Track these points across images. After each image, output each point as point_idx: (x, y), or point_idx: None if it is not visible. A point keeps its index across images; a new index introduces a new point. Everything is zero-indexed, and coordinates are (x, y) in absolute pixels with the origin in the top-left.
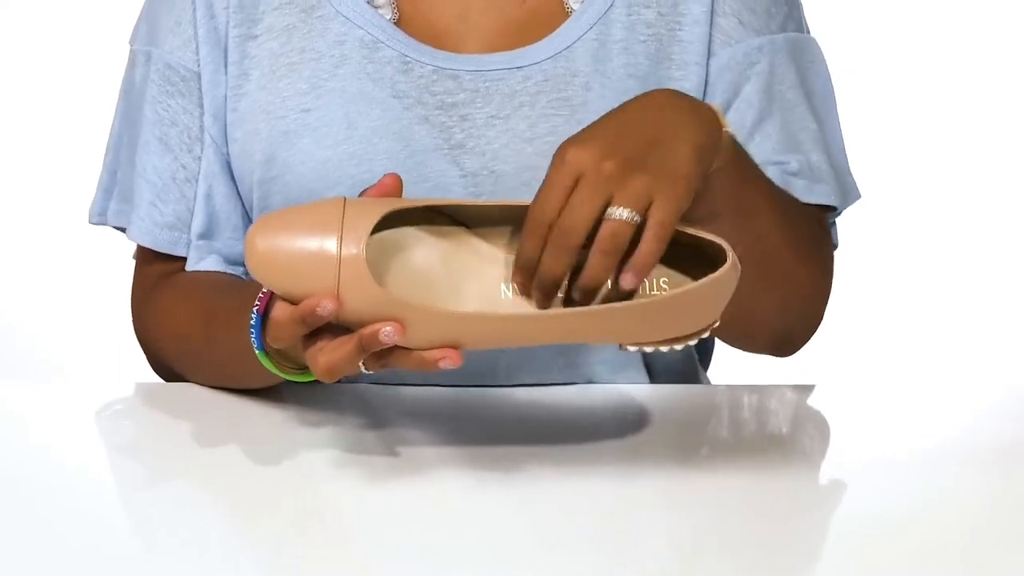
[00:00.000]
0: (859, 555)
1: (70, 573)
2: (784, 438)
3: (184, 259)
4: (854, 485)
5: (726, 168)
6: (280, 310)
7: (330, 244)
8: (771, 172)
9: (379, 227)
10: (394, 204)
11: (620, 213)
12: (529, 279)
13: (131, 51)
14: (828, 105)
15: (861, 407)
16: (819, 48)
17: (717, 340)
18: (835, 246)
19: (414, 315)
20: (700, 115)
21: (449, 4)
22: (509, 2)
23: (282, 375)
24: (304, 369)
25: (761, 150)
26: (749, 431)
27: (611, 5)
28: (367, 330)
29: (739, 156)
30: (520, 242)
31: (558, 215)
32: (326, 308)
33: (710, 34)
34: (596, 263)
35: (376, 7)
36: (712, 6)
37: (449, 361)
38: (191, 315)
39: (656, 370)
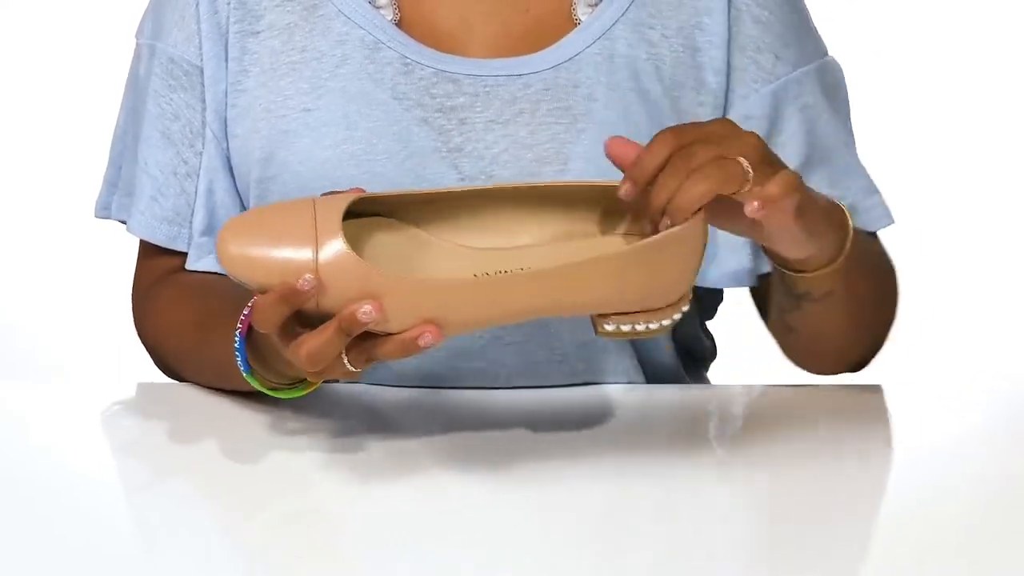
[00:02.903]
0: (860, 554)
1: (71, 573)
2: (784, 438)
3: (185, 254)
4: (854, 484)
5: (846, 257)
6: (262, 296)
7: (306, 227)
8: None
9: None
10: (361, 194)
11: (744, 163)
12: (635, 185)
13: (136, 45)
14: (847, 116)
15: (861, 406)
16: (838, 64)
17: (720, 343)
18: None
19: (395, 287)
20: (836, 216)
21: (450, 7)
22: (512, 10)
23: (269, 393)
24: (292, 384)
25: (812, 187)
26: (749, 431)
27: (616, 21)
28: (346, 311)
29: (853, 240)
30: (644, 152)
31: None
32: (308, 281)
33: (729, 65)
34: (680, 177)
35: (377, 7)
36: (729, 39)
37: (429, 336)
38: (185, 318)
39: (649, 374)
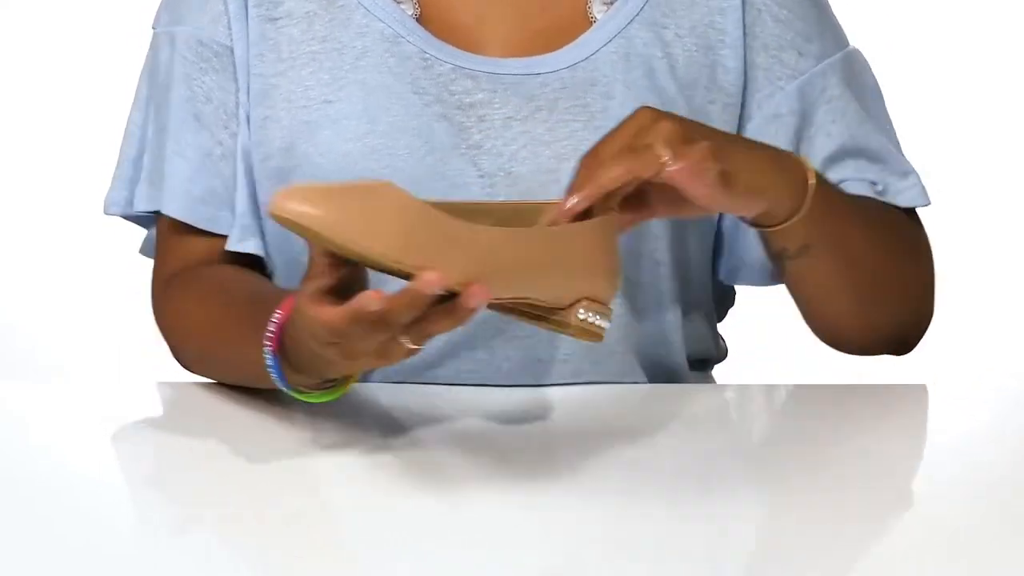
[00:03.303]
0: (866, 553)
1: (71, 573)
2: (786, 438)
3: (217, 237)
4: (860, 483)
5: (813, 208)
6: (395, 301)
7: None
8: (860, 187)
9: None
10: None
11: (658, 148)
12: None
13: (153, 35)
14: (881, 107)
15: (867, 405)
16: (861, 53)
17: (730, 347)
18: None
19: (469, 236)
20: (786, 168)
21: (469, 5)
22: (529, 9)
23: (301, 399)
24: (325, 387)
25: (844, 174)
26: (750, 431)
27: (631, 20)
28: (411, 287)
29: (825, 192)
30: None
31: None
32: (432, 284)
33: (748, 63)
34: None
35: (398, 2)
36: (744, 39)
37: (477, 295)
38: (205, 319)
39: (653, 376)
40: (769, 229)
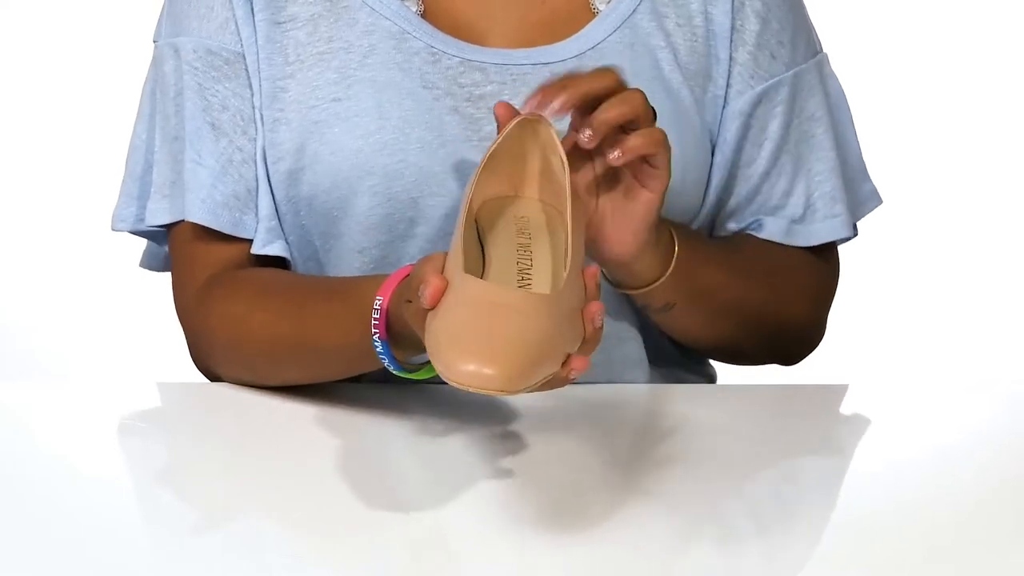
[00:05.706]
0: (871, 555)
1: (72, 573)
2: (792, 439)
3: (240, 242)
4: (863, 485)
5: (676, 275)
6: None
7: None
8: (772, 224)
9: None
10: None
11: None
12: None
13: (156, 47)
14: (843, 117)
15: (866, 406)
16: (829, 64)
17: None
18: (853, 236)
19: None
20: (662, 235)
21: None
22: (531, 1)
23: (419, 378)
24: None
25: (774, 191)
26: (752, 430)
27: (635, 10)
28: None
29: (692, 257)
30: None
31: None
32: None
33: (731, 57)
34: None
35: None
36: (732, 35)
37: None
38: (271, 323)
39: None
40: (631, 292)
